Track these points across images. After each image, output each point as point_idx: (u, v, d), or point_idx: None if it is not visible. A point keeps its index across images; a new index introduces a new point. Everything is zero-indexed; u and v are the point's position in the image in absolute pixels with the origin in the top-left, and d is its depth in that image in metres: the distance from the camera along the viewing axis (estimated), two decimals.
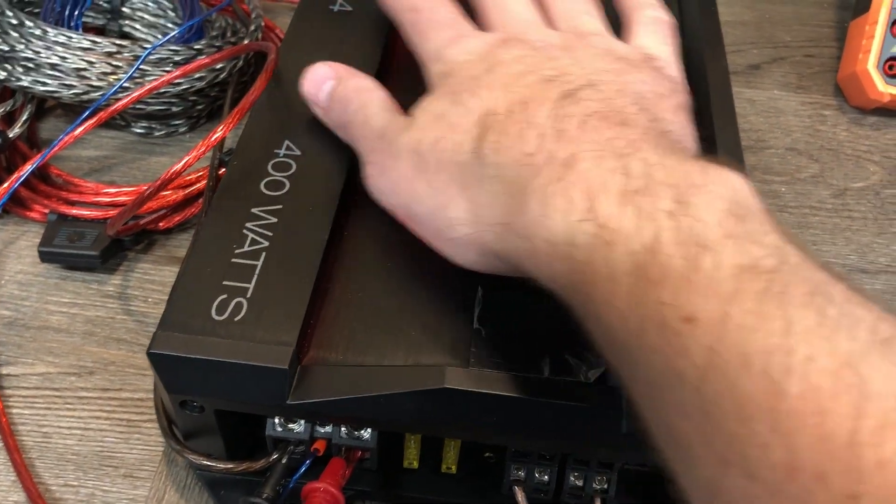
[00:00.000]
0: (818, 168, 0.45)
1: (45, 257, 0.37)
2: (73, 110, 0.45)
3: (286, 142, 0.33)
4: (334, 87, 0.32)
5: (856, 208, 0.43)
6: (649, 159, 0.23)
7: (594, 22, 0.33)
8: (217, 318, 0.27)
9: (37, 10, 0.45)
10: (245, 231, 0.29)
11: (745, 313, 0.18)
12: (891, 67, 0.46)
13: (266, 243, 0.29)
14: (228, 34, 0.46)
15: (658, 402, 0.20)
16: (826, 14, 0.56)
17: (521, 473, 0.29)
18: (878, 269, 0.40)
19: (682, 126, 0.29)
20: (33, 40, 0.40)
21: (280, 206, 0.30)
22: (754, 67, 0.51)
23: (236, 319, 0.27)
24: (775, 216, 0.22)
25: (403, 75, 0.35)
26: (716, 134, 0.34)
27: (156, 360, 0.26)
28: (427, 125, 0.28)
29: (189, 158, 0.32)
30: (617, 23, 0.35)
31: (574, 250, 0.22)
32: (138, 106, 0.42)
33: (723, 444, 0.18)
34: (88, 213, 0.38)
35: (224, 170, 0.34)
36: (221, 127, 0.33)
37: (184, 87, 0.41)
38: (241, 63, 0.44)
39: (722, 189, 0.21)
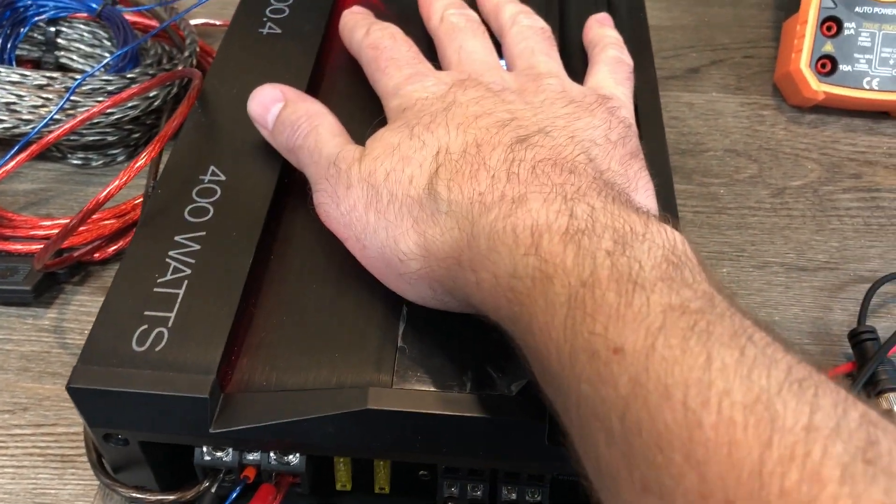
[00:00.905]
0: (757, 168, 0.46)
1: None
2: (8, 144, 0.45)
3: (211, 167, 0.33)
4: (282, 109, 0.32)
5: (794, 206, 0.44)
6: (595, 204, 0.24)
7: (550, 63, 0.34)
8: (137, 349, 0.27)
9: None
10: (168, 259, 0.29)
11: (670, 347, 0.19)
12: (823, 66, 0.46)
13: (188, 271, 0.29)
14: (164, 61, 0.46)
15: (587, 432, 0.21)
16: (764, 15, 0.57)
17: (455, 490, 0.29)
18: (816, 267, 0.41)
19: (629, 177, 0.29)
20: None
21: (203, 233, 0.30)
22: (693, 71, 0.52)
23: (157, 350, 0.27)
24: (711, 270, 0.23)
25: (332, 97, 0.35)
26: (643, 143, 0.34)
27: (75, 394, 0.26)
28: (381, 156, 0.29)
29: (111, 188, 0.32)
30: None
31: (517, 283, 0.23)
32: (73, 137, 0.42)
33: (643, 472, 0.19)
34: (22, 247, 0.38)
35: None
36: (144, 155, 0.33)
37: (117, 116, 0.41)
38: (175, 89, 0.43)
39: (661, 239, 0.23)
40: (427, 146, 0.28)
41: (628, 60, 0.37)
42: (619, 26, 0.42)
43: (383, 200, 0.28)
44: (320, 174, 0.30)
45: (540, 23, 0.37)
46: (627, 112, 0.33)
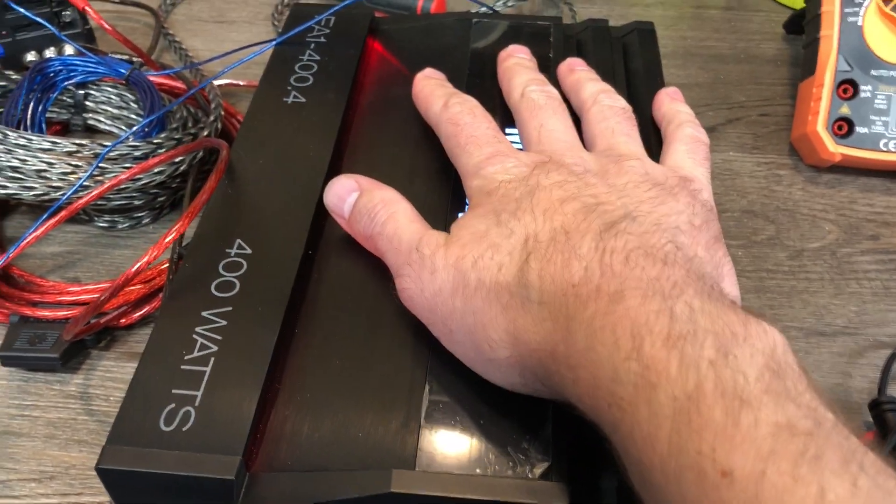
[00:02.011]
0: (774, 230, 0.46)
1: (5, 361, 0.37)
2: (39, 206, 0.46)
3: (237, 240, 0.33)
4: (358, 198, 0.33)
5: (812, 269, 0.44)
6: (693, 304, 0.23)
7: (630, 144, 0.34)
8: (165, 428, 0.27)
9: None
10: (195, 336, 0.30)
11: (781, 474, 0.19)
12: (839, 128, 0.47)
13: (215, 348, 0.29)
14: (189, 124, 0.46)
15: None
16: (780, 72, 0.57)
17: None
18: (834, 332, 0.41)
19: (716, 262, 0.30)
20: None
21: (230, 308, 0.31)
22: (710, 130, 0.52)
23: (184, 429, 0.27)
24: (809, 373, 0.23)
25: (356, 167, 0.36)
26: None
27: (104, 475, 0.27)
28: (468, 243, 0.29)
29: (140, 264, 0.32)
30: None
31: (618, 387, 0.23)
32: (100, 202, 0.43)
33: None
34: (50, 313, 0.39)
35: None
36: (175, 229, 0.33)
37: (144, 181, 0.42)
38: (200, 154, 0.44)
39: (761, 343, 0.22)
40: (515, 234, 0.28)
41: (705, 139, 0.37)
42: (636, 85, 0.43)
43: (471, 286, 0.28)
44: (401, 260, 0.30)
45: (621, 103, 0.37)
46: (708, 194, 0.34)
